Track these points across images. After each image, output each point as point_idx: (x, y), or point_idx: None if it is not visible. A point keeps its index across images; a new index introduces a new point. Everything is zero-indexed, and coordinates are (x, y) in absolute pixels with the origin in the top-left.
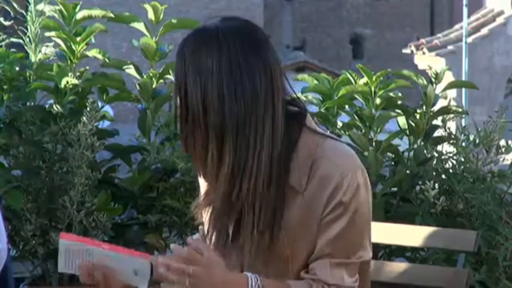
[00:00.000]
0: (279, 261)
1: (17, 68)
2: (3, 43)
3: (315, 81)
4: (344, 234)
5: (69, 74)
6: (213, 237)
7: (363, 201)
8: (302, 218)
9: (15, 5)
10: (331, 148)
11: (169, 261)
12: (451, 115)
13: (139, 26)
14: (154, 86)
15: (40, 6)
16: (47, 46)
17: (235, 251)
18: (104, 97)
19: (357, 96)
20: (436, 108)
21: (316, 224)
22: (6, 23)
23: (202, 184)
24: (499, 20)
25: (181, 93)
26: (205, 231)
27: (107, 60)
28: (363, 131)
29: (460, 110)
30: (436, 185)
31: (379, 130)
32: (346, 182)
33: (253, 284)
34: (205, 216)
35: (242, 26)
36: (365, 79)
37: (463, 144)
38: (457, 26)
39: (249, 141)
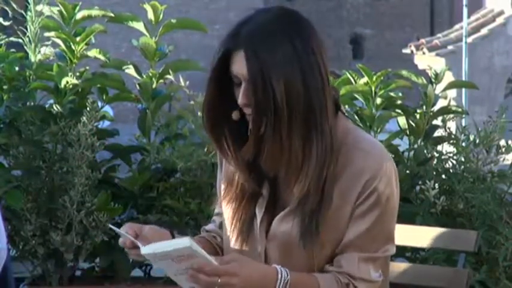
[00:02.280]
0: (304, 252)
1: (17, 68)
2: (2, 42)
3: None
4: (375, 226)
5: (69, 74)
6: (238, 225)
7: (394, 191)
8: (334, 208)
9: (14, 5)
10: (363, 137)
11: (197, 274)
12: (451, 115)
13: (139, 26)
14: (154, 86)
15: (39, 7)
16: (46, 46)
17: (260, 240)
18: (104, 97)
19: (357, 96)
20: (436, 108)
21: (349, 214)
22: (6, 23)
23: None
24: (499, 20)
25: (258, 89)
26: (226, 220)
27: (108, 61)
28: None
29: (460, 110)
30: (436, 185)
31: (379, 130)
32: (381, 172)
33: (283, 277)
34: (227, 206)
35: (290, 12)
36: (365, 79)
37: (463, 144)
38: (457, 26)
39: (321, 126)
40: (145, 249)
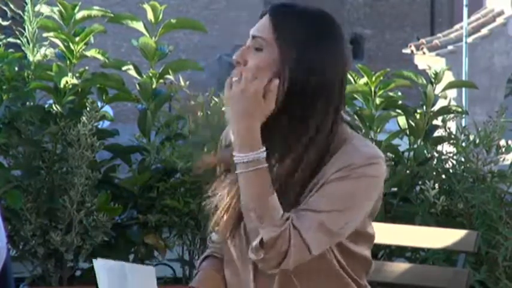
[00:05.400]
0: None
1: (16, 68)
2: (0, 42)
3: None
4: (336, 197)
5: (69, 74)
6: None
7: (372, 177)
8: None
9: (11, 6)
10: (359, 139)
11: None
12: (451, 115)
13: (139, 26)
14: (154, 86)
15: (37, 7)
16: (45, 46)
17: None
18: (104, 97)
19: (356, 96)
20: (436, 108)
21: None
22: (4, 23)
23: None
24: (499, 20)
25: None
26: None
27: (107, 61)
28: (363, 131)
29: (460, 110)
30: (436, 185)
31: (379, 130)
32: (366, 162)
33: (260, 154)
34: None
35: (324, 13)
36: (365, 79)
37: (463, 144)
38: (457, 26)
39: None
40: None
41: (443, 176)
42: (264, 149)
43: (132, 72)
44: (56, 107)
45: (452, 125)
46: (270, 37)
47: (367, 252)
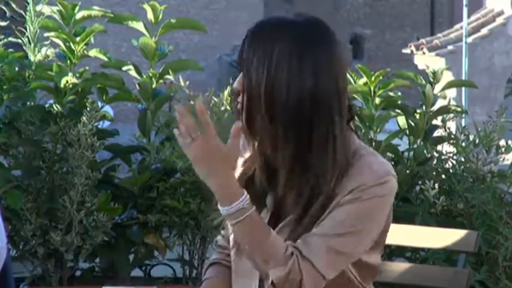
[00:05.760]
0: None
1: (17, 68)
2: (1, 42)
3: None
4: (348, 220)
5: (69, 74)
6: None
7: (384, 203)
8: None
9: (13, 5)
10: (369, 154)
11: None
12: (451, 115)
13: (139, 26)
14: (154, 86)
15: (39, 7)
16: (45, 46)
17: None
18: (104, 97)
19: (356, 96)
20: (435, 108)
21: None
22: (4, 23)
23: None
24: (499, 20)
25: (248, 79)
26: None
27: (108, 60)
28: (363, 130)
29: (459, 109)
30: (436, 185)
31: (378, 130)
32: (377, 181)
33: (244, 201)
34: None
35: (312, 22)
36: (364, 79)
37: (463, 144)
38: (457, 26)
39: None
40: None
41: (443, 176)
42: (245, 193)
43: (132, 73)
44: (56, 107)
45: (452, 125)
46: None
47: (378, 260)
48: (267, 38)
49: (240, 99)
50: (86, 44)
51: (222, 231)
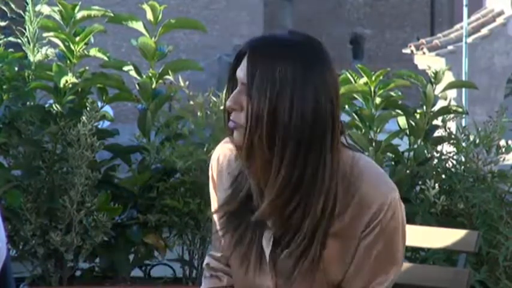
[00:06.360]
0: (311, 283)
1: (16, 68)
2: (0, 42)
3: None
4: (379, 259)
5: (69, 74)
6: (246, 260)
7: (399, 223)
8: (340, 243)
9: (12, 6)
10: (367, 167)
11: None
12: (451, 115)
13: (138, 26)
14: (153, 86)
15: (38, 7)
16: (45, 46)
17: (270, 275)
18: (104, 97)
19: (356, 96)
20: (436, 108)
21: (354, 247)
22: (2, 24)
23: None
24: (499, 20)
25: (250, 100)
26: (232, 256)
27: (107, 59)
28: (363, 130)
29: (460, 109)
30: (436, 184)
31: (379, 130)
32: (386, 205)
33: None
34: (231, 239)
35: (309, 41)
36: (364, 79)
37: (463, 144)
38: (457, 26)
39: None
40: None
41: (444, 176)
42: None
43: (132, 73)
44: (56, 107)
45: (452, 125)
46: (248, 82)
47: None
48: (268, 59)
49: (234, 116)
50: (86, 44)
51: (212, 252)
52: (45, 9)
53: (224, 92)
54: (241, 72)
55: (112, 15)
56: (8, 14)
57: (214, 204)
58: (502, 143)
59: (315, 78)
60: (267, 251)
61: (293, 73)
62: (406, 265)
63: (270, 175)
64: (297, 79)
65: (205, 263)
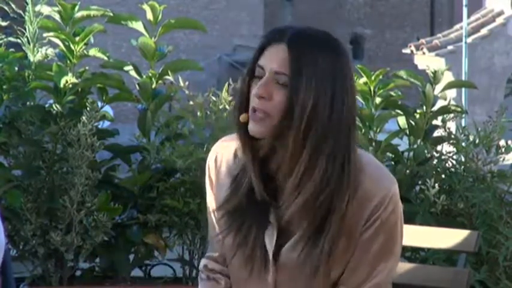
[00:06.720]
0: (312, 278)
1: (16, 68)
2: (1, 42)
3: None
4: (379, 253)
5: (69, 74)
6: (246, 255)
7: (398, 217)
8: (343, 235)
9: (13, 5)
10: (369, 163)
11: None
12: (451, 115)
13: (138, 26)
14: (153, 86)
15: (38, 7)
16: (45, 46)
17: (271, 269)
18: (104, 97)
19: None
20: (435, 108)
21: (355, 240)
22: (4, 24)
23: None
24: (499, 20)
25: (293, 93)
26: (229, 248)
27: (107, 59)
28: (363, 130)
29: (459, 109)
30: (436, 184)
31: (378, 130)
32: (387, 199)
33: None
34: (230, 233)
35: (331, 36)
36: (364, 79)
37: (463, 144)
38: (457, 26)
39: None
40: None
41: (443, 176)
42: None
43: (132, 73)
44: (56, 107)
45: (452, 125)
46: (292, 74)
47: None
48: (309, 49)
49: (261, 105)
50: (86, 44)
51: (209, 253)
52: (45, 10)
53: (224, 90)
54: (273, 63)
55: (112, 15)
56: (10, 14)
57: (211, 204)
58: (502, 143)
59: (351, 70)
60: (270, 249)
61: (334, 64)
62: (406, 265)
63: (298, 168)
64: (337, 71)
65: (202, 264)
